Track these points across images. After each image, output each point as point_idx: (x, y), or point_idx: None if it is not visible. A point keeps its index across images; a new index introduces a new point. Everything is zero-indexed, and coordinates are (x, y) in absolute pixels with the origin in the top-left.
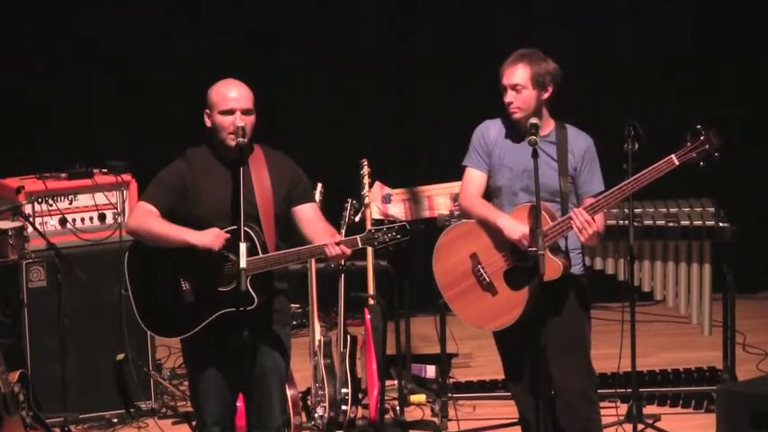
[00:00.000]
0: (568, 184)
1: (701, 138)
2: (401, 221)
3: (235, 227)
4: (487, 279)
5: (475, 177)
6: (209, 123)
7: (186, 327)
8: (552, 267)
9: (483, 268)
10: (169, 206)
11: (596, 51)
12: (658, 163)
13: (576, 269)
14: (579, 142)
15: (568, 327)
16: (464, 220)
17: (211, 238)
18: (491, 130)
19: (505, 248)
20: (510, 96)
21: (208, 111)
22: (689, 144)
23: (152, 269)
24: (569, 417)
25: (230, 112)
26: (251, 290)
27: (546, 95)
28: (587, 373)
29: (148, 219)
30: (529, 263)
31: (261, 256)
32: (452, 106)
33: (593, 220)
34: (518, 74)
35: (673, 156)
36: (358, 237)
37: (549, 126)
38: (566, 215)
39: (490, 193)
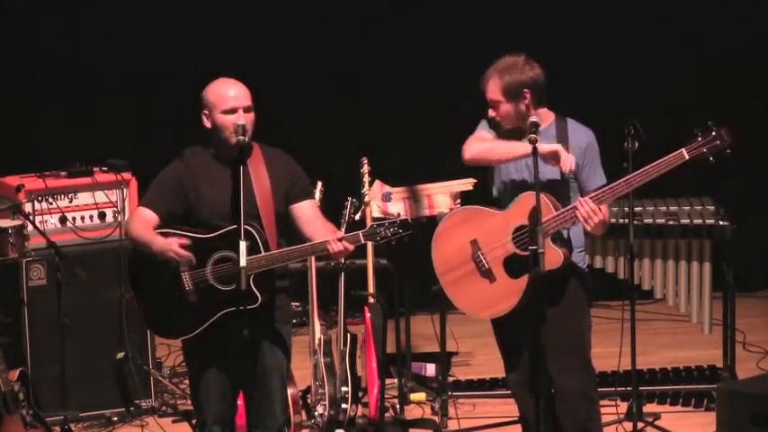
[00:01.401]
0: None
1: (713, 134)
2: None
3: (235, 225)
4: (487, 266)
5: (486, 135)
6: (208, 124)
7: (190, 327)
8: (553, 257)
9: (483, 255)
10: (167, 210)
11: (597, 52)
12: (668, 156)
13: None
14: (580, 137)
15: (568, 325)
16: (466, 207)
17: (165, 245)
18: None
19: (507, 236)
20: (491, 112)
21: (206, 111)
22: (700, 139)
23: (154, 270)
24: (569, 416)
25: (232, 110)
26: (254, 288)
27: (526, 102)
28: (586, 372)
29: (133, 224)
30: (529, 255)
31: (263, 254)
32: (452, 106)
33: (599, 209)
34: (490, 89)
35: (683, 149)
36: (360, 232)
37: (547, 119)
38: (570, 205)
39: (492, 185)
